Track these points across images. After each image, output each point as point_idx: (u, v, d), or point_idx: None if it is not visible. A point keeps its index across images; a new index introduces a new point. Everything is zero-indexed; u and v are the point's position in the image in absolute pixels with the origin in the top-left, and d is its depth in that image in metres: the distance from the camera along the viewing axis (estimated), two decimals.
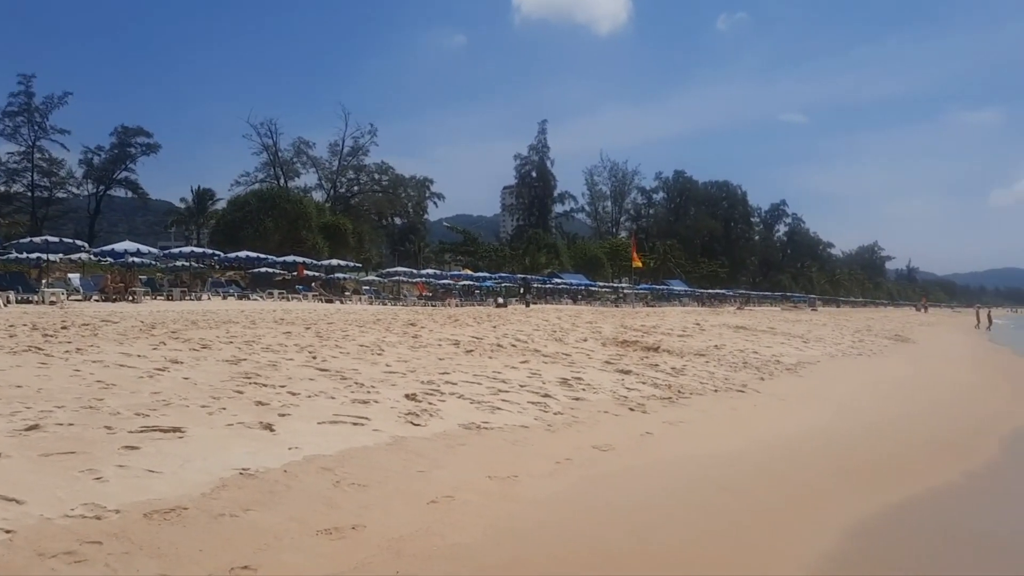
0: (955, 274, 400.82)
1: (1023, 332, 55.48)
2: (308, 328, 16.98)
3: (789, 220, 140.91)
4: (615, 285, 79.42)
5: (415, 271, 59.55)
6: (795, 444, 8.84)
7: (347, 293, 49.13)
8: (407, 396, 8.80)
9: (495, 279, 62.39)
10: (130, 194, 77.93)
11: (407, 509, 5.24)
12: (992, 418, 11.94)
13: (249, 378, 9.11)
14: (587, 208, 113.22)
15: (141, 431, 6.22)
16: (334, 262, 52.13)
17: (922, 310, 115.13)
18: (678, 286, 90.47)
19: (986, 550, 5.76)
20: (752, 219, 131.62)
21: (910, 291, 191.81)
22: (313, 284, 47.70)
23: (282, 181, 76.33)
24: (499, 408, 8.82)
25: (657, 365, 14.37)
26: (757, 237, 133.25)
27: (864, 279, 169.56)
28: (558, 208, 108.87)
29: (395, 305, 42.30)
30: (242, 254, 45.87)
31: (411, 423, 7.59)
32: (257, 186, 72.44)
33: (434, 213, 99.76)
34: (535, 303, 53.32)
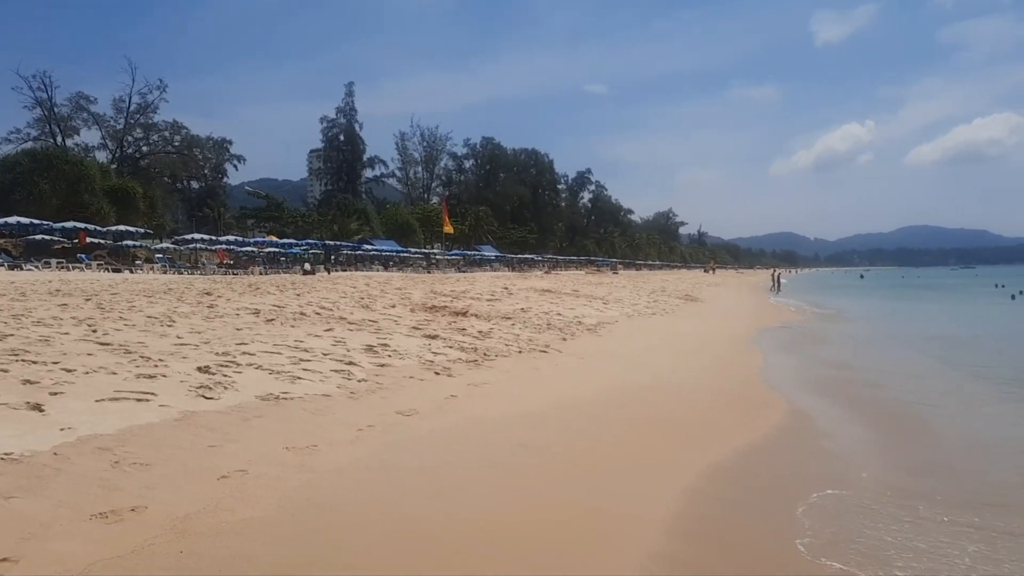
0: (739, 238, 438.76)
1: (800, 290, 61.88)
2: (89, 299, 15.61)
3: (593, 188, 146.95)
4: (427, 251, 79.44)
5: (215, 238, 56.35)
6: (592, 401, 9.29)
7: (138, 262, 45.67)
8: (199, 369, 8.33)
9: (302, 246, 60.37)
10: None
11: (195, 486, 4.99)
12: (754, 375, 13.21)
13: (16, 355, 8.22)
14: (398, 173, 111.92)
15: None
16: (122, 228, 48.15)
17: (711, 272, 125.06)
18: (489, 252, 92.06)
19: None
20: (559, 186, 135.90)
21: (700, 254, 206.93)
22: (97, 252, 43.85)
23: (59, 139, 69.03)
24: (300, 378, 8.58)
25: (465, 329, 14.57)
26: (563, 204, 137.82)
27: (660, 243, 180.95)
28: (368, 173, 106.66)
29: (192, 274, 39.87)
30: (12, 220, 41.25)
31: (203, 397, 7.20)
32: (30, 144, 65.07)
33: (235, 177, 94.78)
34: (342, 270, 52.27)
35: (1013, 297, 44.74)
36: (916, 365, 15.06)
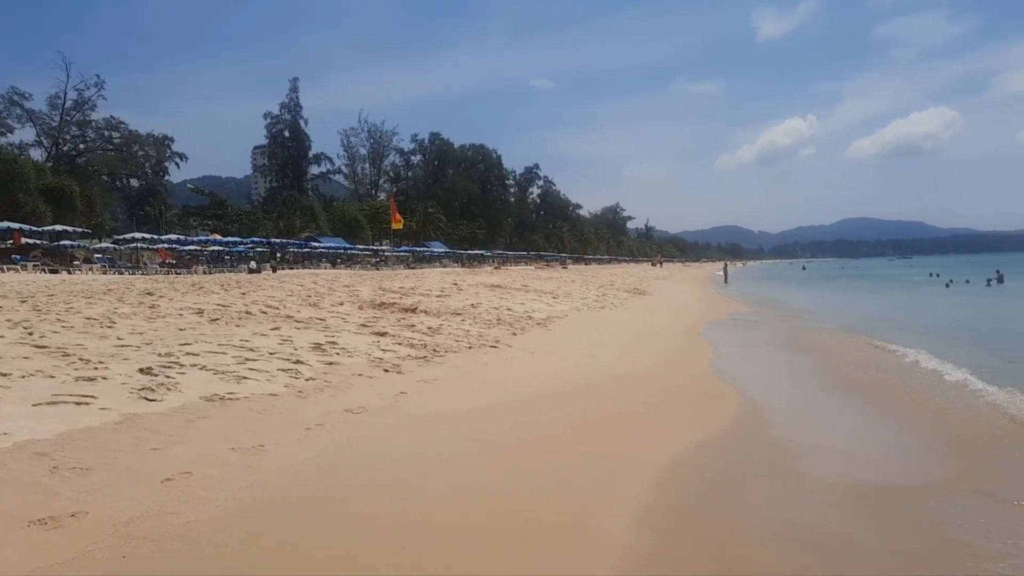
0: (686, 231, 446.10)
1: (746, 282, 63.21)
2: (24, 301, 15.13)
3: (542, 183, 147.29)
4: (375, 248, 78.77)
5: (156, 237, 54.99)
6: (543, 394, 9.35)
7: (76, 262, 44.31)
8: (141, 371, 8.16)
9: (247, 244, 59.32)
10: None
11: (138, 490, 4.89)
12: (705, 367, 13.44)
13: None
14: (345, 170, 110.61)
15: None
16: (59, 228, 46.67)
17: (658, 265, 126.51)
18: (438, 248, 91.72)
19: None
20: (507, 182, 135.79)
21: (648, 248, 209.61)
22: (33, 253, 42.45)
23: None
24: (246, 378, 8.46)
25: (414, 326, 14.52)
26: (512, 199, 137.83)
27: (609, 238, 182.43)
28: (314, 170, 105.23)
29: (133, 274, 38.87)
30: None
31: (145, 399, 7.05)
32: None
33: (177, 175, 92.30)
34: (289, 268, 51.57)
35: (947, 285, 46.62)
36: (859, 351, 15.50)
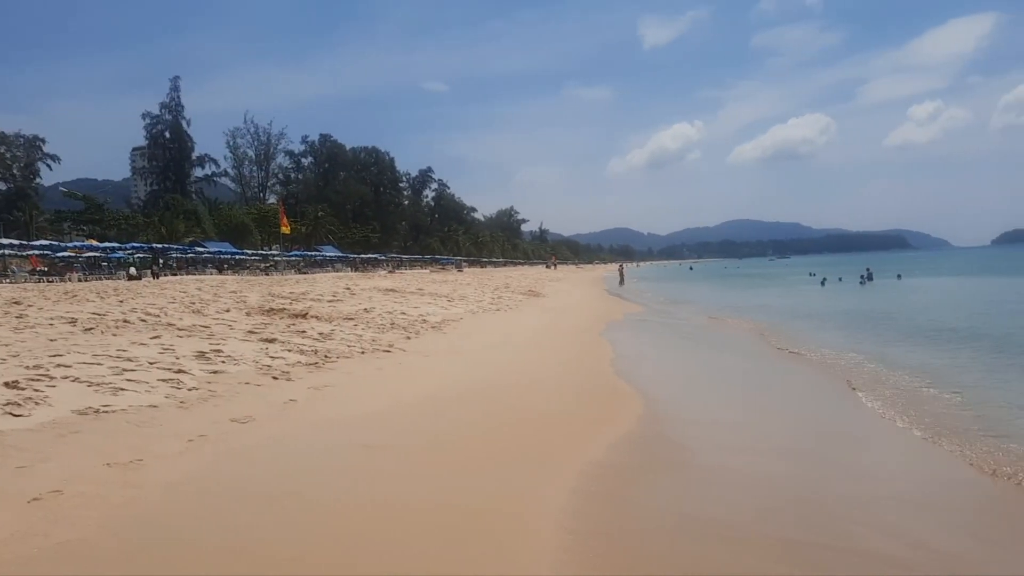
0: (579, 234, 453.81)
1: (639, 283, 65.00)
2: None
3: (436, 186, 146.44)
4: (264, 252, 76.47)
5: (25, 243, 51.59)
6: (436, 398, 9.31)
7: None
8: (7, 384, 7.63)
9: (127, 250, 56.42)
10: None
11: (2, 511, 4.57)
12: (607, 368, 13.72)
13: None
14: (231, 172, 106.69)
15: None
16: None
17: (552, 267, 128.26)
18: (331, 252, 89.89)
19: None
20: (401, 185, 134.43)
21: (542, 250, 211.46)
22: None
23: None
24: (123, 389, 8.04)
25: (304, 332, 14.18)
26: (406, 202, 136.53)
27: (504, 240, 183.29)
28: (198, 172, 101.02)
29: None
30: None
31: (11, 414, 6.60)
32: None
33: (48, 177, 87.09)
34: (172, 274, 49.46)
35: (823, 283, 49.66)
36: (751, 345, 16.22)
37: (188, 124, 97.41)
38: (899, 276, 55.50)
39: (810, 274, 68.27)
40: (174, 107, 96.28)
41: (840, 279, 52.79)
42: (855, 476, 6.77)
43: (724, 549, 4.79)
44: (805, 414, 9.71)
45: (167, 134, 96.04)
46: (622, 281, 62.53)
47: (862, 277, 49.98)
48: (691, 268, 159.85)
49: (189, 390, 8.40)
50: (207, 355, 10.65)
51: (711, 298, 40.79)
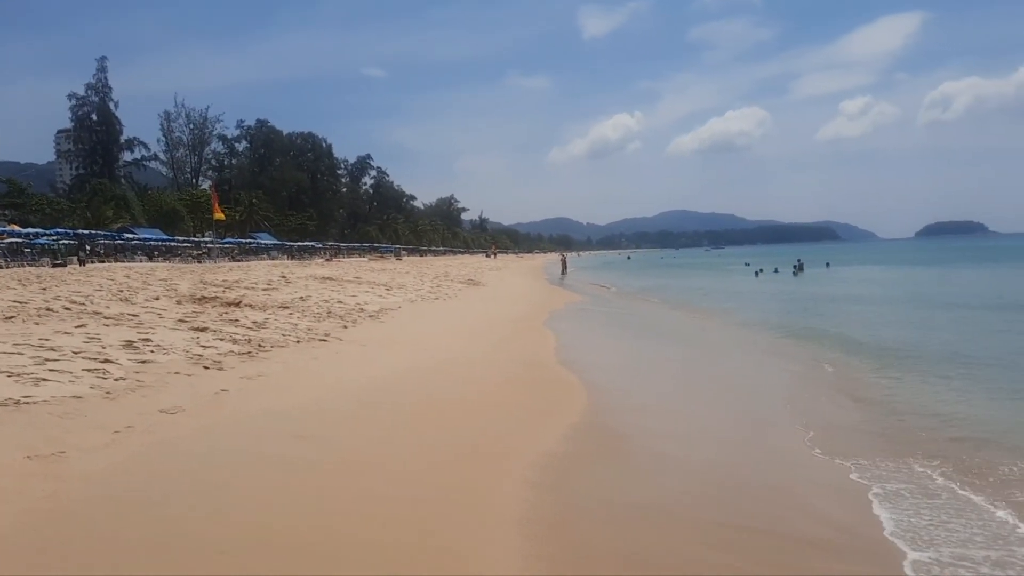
0: (519, 223, 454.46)
1: (579, 272, 65.62)
2: None
3: (375, 173, 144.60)
4: (197, 239, 74.55)
5: None
6: (375, 388, 9.26)
7: None
8: None
9: (51, 235, 54.34)
10: None
11: None
12: (551, 357, 13.84)
13: None
14: (162, 157, 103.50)
15: None
16: None
17: (492, 256, 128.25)
18: (266, 239, 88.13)
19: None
20: (339, 171, 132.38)
21: (482, 239, 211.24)
22: None
23: None
24: (45, 379, 7.76)
25: (238, 320, 13.91)
26: (344, 189, 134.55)
27: (444, 229, 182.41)
28: (127, 156, 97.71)
29: None
30: None
31: None
32: None
33: None
34: (99, 261, 47.90)
35: (756, 274, 51.15)
36: (690, 334, 16.56)
37: (116, 106, 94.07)
38: (828, 264, 58.73)
39: (745, 264, 70.72)
40: (101, 88, 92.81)
41: (776, 270, 54.43)
42: (782, 461, 7.01)
43: (667, 536, 4.97)
44: (737, 399, 10.00)
45: (94, 116, 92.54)
46: (564, 271, 62.76)
47: (794, 268, 52.18)
48: (629, 258, 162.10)
49: (116, 380, 8.16)
50: (135, 344, 10.36)
51: (651, 287, 41.47)
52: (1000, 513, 5.34)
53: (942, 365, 11.85)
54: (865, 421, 8.35)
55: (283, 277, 27.96)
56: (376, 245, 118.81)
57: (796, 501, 5.85)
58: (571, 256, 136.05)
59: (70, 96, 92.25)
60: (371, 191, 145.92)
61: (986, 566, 4.48)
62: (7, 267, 39.00)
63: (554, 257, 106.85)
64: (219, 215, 65.28)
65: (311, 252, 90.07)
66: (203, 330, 12.30)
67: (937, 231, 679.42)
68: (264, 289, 21.50)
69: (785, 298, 28.45)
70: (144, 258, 59.40)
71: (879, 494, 5.77)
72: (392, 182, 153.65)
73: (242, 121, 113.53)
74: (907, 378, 10.88)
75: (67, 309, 13.61)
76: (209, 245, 72.01)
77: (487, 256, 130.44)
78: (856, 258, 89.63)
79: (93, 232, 60.10)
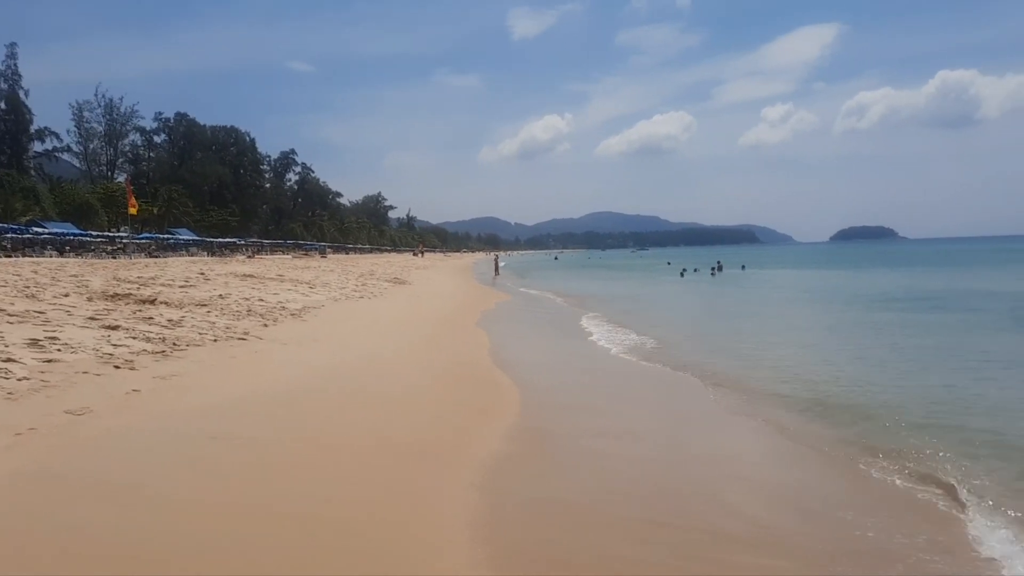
0: (447, 222, 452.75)
1: (507, 272, 65.95)
2: None
3: (299, 169, 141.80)
4: (112, 235, 71.77)
5: None
6: (296, 388, 9.12)
7: None
8: None
9: None
10: None
11: None
12: (484, 357, 13.86)
13: None
14: (76, 148, 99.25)
15: None
16: None
17: (419, 255, 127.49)
18: (185, 235, 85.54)
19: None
20: (262, 167, 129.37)
21: (410, 238, 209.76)
22: None
23: None
24: None
25: (152, 318, 13.48)
26: (268, 185, 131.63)
27: (370, 227, 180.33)
28: (37, 147, 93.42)
29: None
30: None
31: None
32: None
33: None
34: (5, 256, 45.71)
35: (682, 274, 52.77)
36: (616, 334, 16.86)
37: (27, 94, 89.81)
38: (743, 267, 61.81)
39: (667, 263, 74.17)
40: (10, 75, 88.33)
41: (696, 270, 56.58)
42: (702, 458, 7.23)
43: (599, 533, 5.05)
44: (658, 397, 10.27)
45: (2, 104, 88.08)
46: (497, 272, 62.93)
47: (713, 269, 54.75)
48: (556, 258, 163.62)
49: (19, 380, 7.81)
50: (41, 343, 9.92)
51: (579, 287, 41.93)
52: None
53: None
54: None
55: (202, 274, 27.21)
56: (300, 243, 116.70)
57: (715, 496, 6.03)
58: (501, 256, 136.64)
59: None
60: (296, 187, 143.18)
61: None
62: None
63: (482, 256, 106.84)
64: (133, 210, 63.01)
65: (233, 249, 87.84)
66: (115, 328, 11.87)
67: (851, 235, 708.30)
68: (181, 286, 20.89)
69: (701, 300, 29.34)
70: (55, 253, 56.89)
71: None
72: (318, 179, 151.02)
73: (160, 113, 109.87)
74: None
75: None
76: (124, 241, 69.48)
77: (414, 255, 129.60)
78: (774, 260, 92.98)
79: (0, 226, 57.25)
